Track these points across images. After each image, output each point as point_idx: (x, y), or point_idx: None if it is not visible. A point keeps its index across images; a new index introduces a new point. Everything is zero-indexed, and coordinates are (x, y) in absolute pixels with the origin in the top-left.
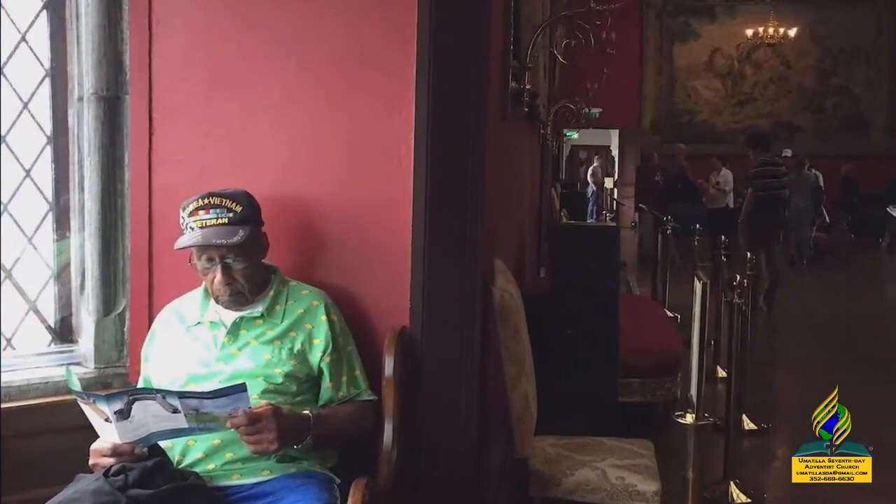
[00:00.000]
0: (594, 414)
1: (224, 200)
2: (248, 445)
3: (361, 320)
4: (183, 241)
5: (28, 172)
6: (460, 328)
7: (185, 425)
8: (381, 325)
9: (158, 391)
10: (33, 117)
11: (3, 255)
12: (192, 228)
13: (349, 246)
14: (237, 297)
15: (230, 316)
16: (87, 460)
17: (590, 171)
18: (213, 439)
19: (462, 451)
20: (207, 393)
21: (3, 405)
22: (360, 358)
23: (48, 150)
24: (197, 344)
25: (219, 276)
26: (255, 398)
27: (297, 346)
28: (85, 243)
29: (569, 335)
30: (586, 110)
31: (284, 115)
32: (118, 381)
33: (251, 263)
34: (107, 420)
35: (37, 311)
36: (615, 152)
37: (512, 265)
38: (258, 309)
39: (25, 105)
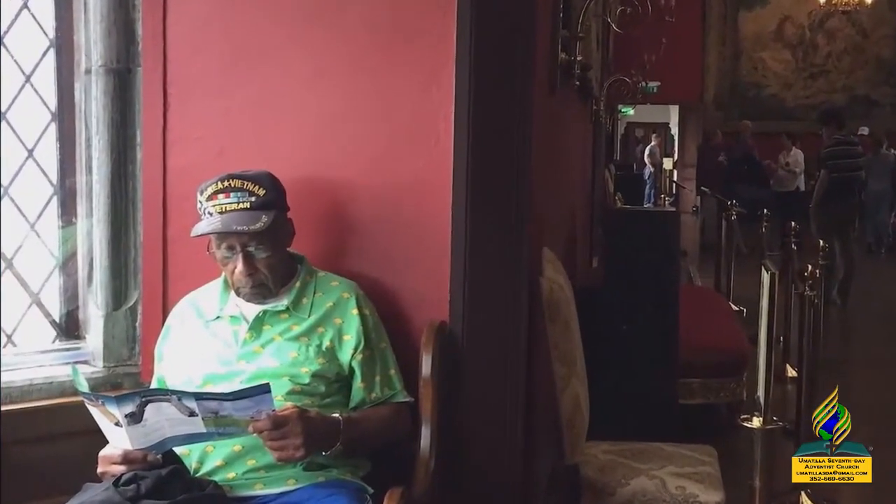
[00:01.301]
0: (652, 417)
1: (245, 183)
2: (271, 452)
3: (396, 314)
4: (200, 228)
5: (31, 153)
6: (505, 323)
7: (203, 430)
8: (418, 320)
9: (174, 392)
10: (36, 92)
11: (2, 244)
12: (211, 214)
13: (383, 233)
14: (260, 289)
15: (252, 310)
16: (95, 468)
17: (647, 151)
18: (233, 445)
19: (506, 459)
20: (227, 394)
21: (4, 407)
22: (395, 356)
23: (52, 128)
24: (216, 340)
25: (240, 266)
26: (280, 400)
27: (326, 343)
28: (93, 230)
29: (624, 331)
30: (643, 84)
31: (311, 89)
32: (129, 382)
33: (275, 252)
34: (117, 424)
35: (40, 305)
36: (675, 130)
37: (561, 254)
38: (283, 302)
39: (28, 78)
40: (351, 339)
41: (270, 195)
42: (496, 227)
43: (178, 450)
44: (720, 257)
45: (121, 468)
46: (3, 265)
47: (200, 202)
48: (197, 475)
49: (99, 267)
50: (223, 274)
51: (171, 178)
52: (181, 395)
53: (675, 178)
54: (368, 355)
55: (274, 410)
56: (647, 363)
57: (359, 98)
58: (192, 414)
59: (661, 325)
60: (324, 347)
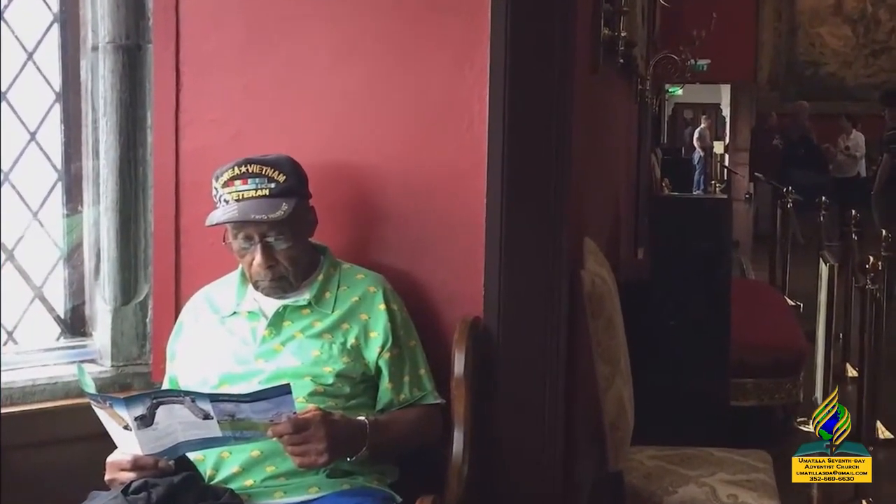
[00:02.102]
0: (701, 420)
1: (264, 168)
2: (292, 457)
3: (426, 309)
4: (216, 217)
5: (33, 135)
6: (543, 319)
7: (219, 434)
8: (450, 316)
9: (187, 393)
10: (39, 70)
11: (3, 234)
12: (227, 202)
13: (412, 222)
14: (280, 282)
15: (272, 305)
16: (102, 475)
17: (696, 134)
18: (251, 450)
19: (545, 465)
20: (245, 395)
21: (4, 410)
22: (425, 354)
23: (56, 110)
24: (232, 338)
25: (258, 257)
26: (302, 402)
27: (351, 341)
28: (100, 219)
29: (672, 327)
30: (692, 62)
31: (336, 67)
32: (139, 382)
33: (296, 243)
34: (126, 427)
35: (43, 300)
36: (726, 111)
37: (604, 245)
38: (305, 296)
39: (30, 56)
40: (378, 336)
41: (291, 181)
42: (534, 216)
43: (191, 456)
44: (775, 248)
45: (130, 475)
46: (3, 257)
47: (216, 189)
48: (212, 483)
49: (106, 259)
50: (240, 266)
51: (184, 163)
52: (195, 396)
53: (726, 163)
54: (397, 354)
55: (295, 413)
56: (697, 362)
57: (386, 77)
58: (206, 417)
59: (712, 322)
60: (348, 345)
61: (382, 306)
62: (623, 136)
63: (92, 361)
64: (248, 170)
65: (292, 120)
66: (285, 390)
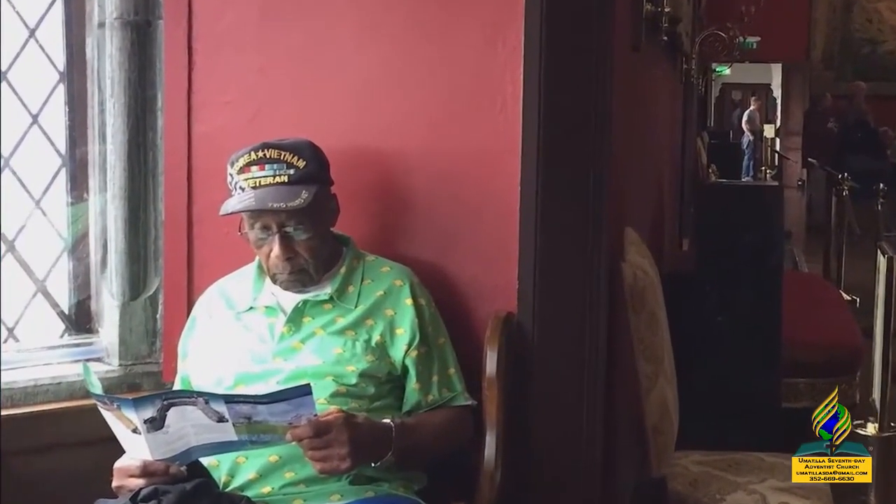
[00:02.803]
0: (751, 423)
1: (283, 153)
2: (313, 463)
3: (456, 305)
4: (231, 206)
5: (35, 118)
6: (581, 314)
7: (235, 437)
8: (482, 311)
9: (200, 394)
10: (42, 48)
11: (3, 224)
12: (243, 189)
13: (441, 211)
14: (299, 275)
15: (291, 299)
16: (109, 482)
17: (745, 117)
18: (269, 455)
19: (584, 471)
20: (262, 397)
21: (4, 412)
22: (455, 352)
23: (60, 90)
24: (249, 335)
25: (276, 249)
26: (323, 403)
27: (376, 338)
28: (107, 207)
29: (719, 323)
30: (740, 40)
31: (358, 45)
32: (149, 382)
33: (317, 233)
34: (135, 431)
35: (46, 294)
36: (777, 92)
37: (647, 235)
38: (326, 290)
39: (32, 33)
40: (404, 333)
41: (311, 167)
42: (571, 204)
43: (205, 461)
44: (830, 239)
45: (139, 482)
46: (3, 248)
47: (231, 175)
48: (227, 490)
49: (114, 250)
50: (257, 258)
51: (197, 148)
52: (209, 397)
53: (777, 148)
54: (424, 352)
55: (316, 415)
56: (746, 361)
57: (413, 55)
58: (221, 419)
59: (762, 318)
60: (373, 343)
61: (409, 301)
62: (667, 120)
63: (98, 360)
64: (265, 155)
65: (312, 101)
66: (305, 391)
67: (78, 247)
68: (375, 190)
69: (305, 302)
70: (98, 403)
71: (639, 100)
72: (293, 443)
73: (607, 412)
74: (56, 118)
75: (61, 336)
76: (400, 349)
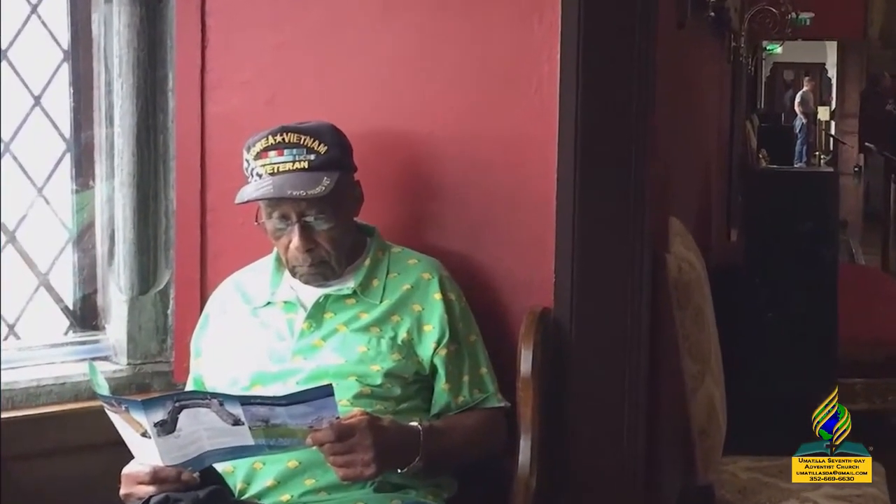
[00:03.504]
0: (803, 426)
1: (303, 138)
2: (335, 469)
3: (488, 299)
4: (247, 193)
5: (38, 100)
6: (623, 310)
7: (251, 442)
8: (516, 307)
9: (214, 395)
10: (44, 25)
11: (3, 213)
12: (260, 176)
13: (472, 199)
14: (320, 268)
15: (311, 294)
16: (117, 489)
17: (798, 98)
18: (287, 461)
19: (625, 477)
20: (281, 398)
21: (4, 414)
22: (487, 351)
23: (64, 70)
24: (266, 332)
25: (296, 239)
26: (346, 405)
27: (402, 335)
28: (114, 195)
29: (769, 319)
30: (793, 15)
31: (383, 21)
32: (160, 382)
33: (339, 223)
34: (144, 435)
35: (49, 288)
36: (832, 72)
37: (692, 225)
38: (349, 284)
39: (34, 8)
40: (433, 329)
41: (333, 152)
42: (612, 192)
43: (219, 467)
44: (888, 229)
45: (149, 489)
46: (3, 239)
47: (247, 161)
48: (243, 498)
49: (122, 241)
50: (275, 250)
51: (211, 131)
52: (223, 398)
53: (832, 132)
54: (454, 350)
55: (338, 418)
56: (799, 360)
57: (442, 32)
58: (236, 422)
59: (816, 314)
60: (399, 340)
61: (438, 295)
62: (714, 101)
63: (105, 359)
64: (284, 139)
65: (334, 81)
66: (327, 392)
67: (83, 237)
68: (402, 177)
69: (327, 296)
70: (105, 405)
71: (684, 80)
72: (314, 447)
73: (650, 414)
74: (60, 100)
75: (65, 333)
76: (428, 347)
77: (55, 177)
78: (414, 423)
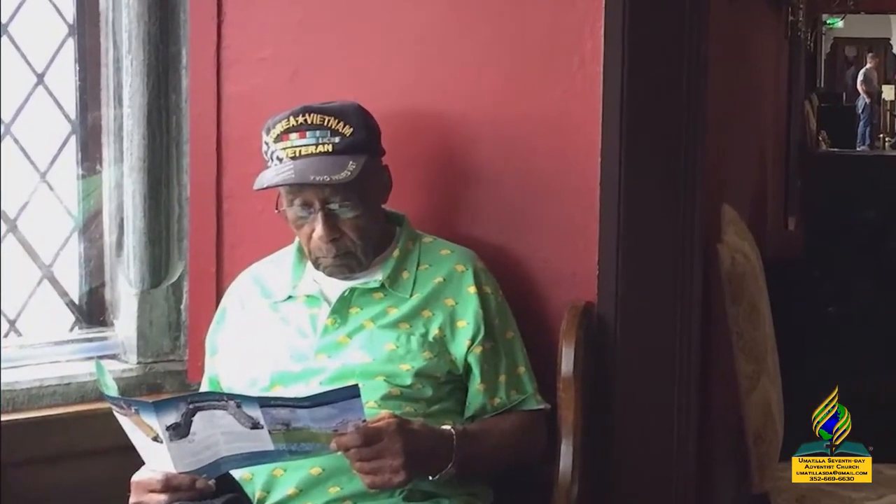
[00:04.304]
0: (867, 430)
1: (327, 119)
2: (361, 476)
3: (527, 293)
4: (267, 179)
5: (41, 78)
6: (672, 305)
7: (271, 447)
8: (556, 301)
9: (231, 397)
10: None
11: (3, 199)
12: (281, 160)
13: (509, 186)
14: (346, 259)
15: (336, 287)
16: (126, 497)
17: (860, 76)
18: (310, 467)
19: (674, 485)
20: (303, 400)
21: (4, 417)
22: (526, 348)
23: (70, 45)
24: (287, 328)
25: (319, 229)
26: (373, 407)
27: (434, 332)
28: (123, 181)
29: (831, 315)
30: None
31: None
32: (172, 383)
33: (366, 210)
34: (155, 439)
35: (53, 281)
36: None
37: (747, 213)
38: (376, 277)
39: None
40: (467, 325)
41: (359, 135)
42: (660, 178)
43: (236, 474)
44: None
45: (161, 498)
46: (3, 228)
47: (266, 144)
48: None
49: (131, 230)
50: (296, 240)
51: (228, 112)
52: (241, 400)
53: None
54: (490, 348)
55: (364, 421)
56: (863, 357)
57: (477, 6)
58: (255, 426)
59: (881, 308)
60: (431, 337)
61: (472, 289)
62: (770, 80)
63: (113, 357)
64: (306, 120)
65: (360, 59)
66: (353, 393)
67: (90, 226)
68: (433, 161)
69: (352, 290)
70: (113, 407)
71: (737, 57)
72: (338, 453)
73: (702, 418)
74: (65, 78)
75: (70, 330)
76: (462, 345)
77: (59, 161)
78: (446, 427)
